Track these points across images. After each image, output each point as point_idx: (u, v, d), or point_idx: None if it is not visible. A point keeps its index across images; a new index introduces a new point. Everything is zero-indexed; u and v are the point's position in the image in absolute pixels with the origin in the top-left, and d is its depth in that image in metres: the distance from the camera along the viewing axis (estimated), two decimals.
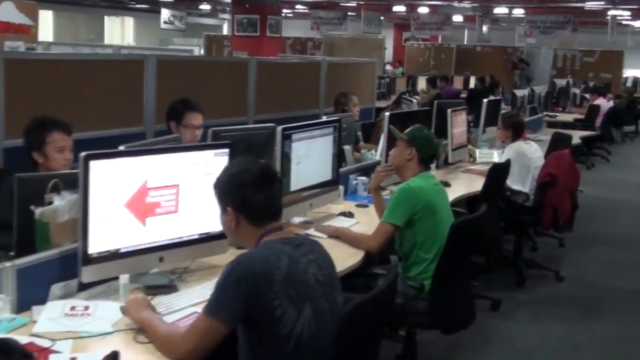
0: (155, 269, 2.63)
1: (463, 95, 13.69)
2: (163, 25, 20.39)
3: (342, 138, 4.41)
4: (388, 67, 22.99)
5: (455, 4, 16.80)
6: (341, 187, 3.94)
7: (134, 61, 5.61)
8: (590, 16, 19.29)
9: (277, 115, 7.00)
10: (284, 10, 24.33)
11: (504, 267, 5.18)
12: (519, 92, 10.52)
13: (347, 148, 4.39)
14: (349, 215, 3.66)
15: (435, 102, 5.99)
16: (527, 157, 4.97)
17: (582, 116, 10.89)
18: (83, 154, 2.28)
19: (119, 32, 28.12)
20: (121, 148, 2.65)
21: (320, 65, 7.85)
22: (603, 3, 15.24)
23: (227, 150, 2.69)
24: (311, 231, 3.31)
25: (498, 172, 4.27)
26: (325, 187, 3.61)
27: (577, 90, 12.86)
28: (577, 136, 7.86)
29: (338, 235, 3.23)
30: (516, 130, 5.05)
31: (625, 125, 14.20)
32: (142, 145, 2.94)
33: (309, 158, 3.42)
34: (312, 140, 3.43)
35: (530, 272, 5.15)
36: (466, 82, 15.60)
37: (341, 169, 4.15)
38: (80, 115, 4.96)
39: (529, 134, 7.53)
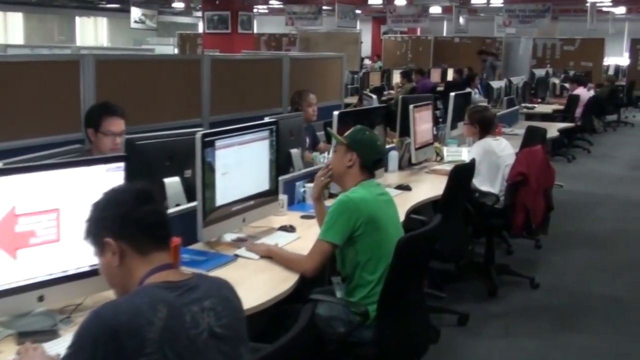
0: (40, 308, 2.20)
1: (440, 88, 13.31)
2: (133, 25, 19.82)
3: (289, 141, 4.00)
4: (367, 62, 22.59)
5: None
6: (283, 197, 3.52)
7: (68, 62, 5.15)
8: (570, 4, 18.98)
9: (235, 115, 6.58)
10: (259, 7, 23.89)
11: (474, 275, 4.78)
12: (495, 84, 10.17)
13: (294, 152, 3.96)
14: (290, 229, 3.24)
15: (400, 97, 5.60)
16: (496, 154, 4.57)
17: (561, 107, 10.52)
18: None
19: (92, 33, 27.52)
20: None
21: (282, 61, 7.42)
22: None
23: (121, 164, 2.26)
24: (241, 251, 2.89)
25: (461, 174, 3.86)
26: (261, 198, 3.18)
27: (556, 80, 12.50)
28: (555, 129, 7.48)
29: (270, 255, 2.80)
30: (484, 126, 4.64)
31: (607, 115, 13.88)
32: (13, 162, 2.50)
33: (240, 167, 3.00)
34: (243, 147, 3.01)
35: (503, 279, 4.75)
36: (444, 74, 15.21)
37: (286, 176, 3.74)
38: (4, 122, 4.53)
39: (504, 128, 7.17)
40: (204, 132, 2.78)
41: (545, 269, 5.13)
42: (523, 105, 10.01)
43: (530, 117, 9.80)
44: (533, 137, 5.42)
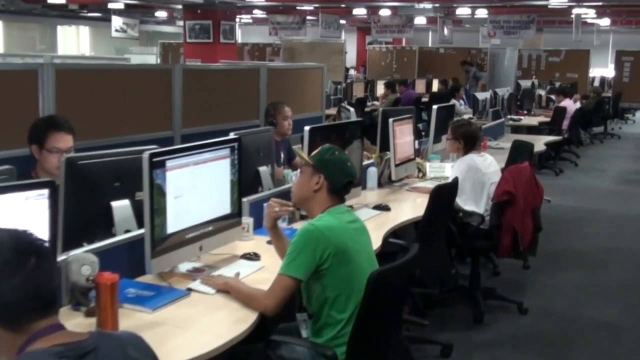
0: None
1: (425, 99, 13.08)
2: (114, 34, 19.49)
3: (257, 158, 3.69)
4: (352, 72, 22.36)
5: (416, 6, 16.18)
6: (249, 220, 3.20)
7: (25, 72, 4.81)
8: (555, 15, 18.85)
9: (209, 128, 6.27)
10: (243, 16, 23.61)
11: (459, 299, 4.48)
12: (480, 95, 9.91)
13: (263, 170, 3.65)
14: (254, 257, 2.92)
15: (380, 110, 5.31)
16: (481, 171, 4.28)
17: (548, 119, 10.30)
18: None
19: (75, 42, 27.13)
20: None
21: (260, 71, 7.12)
22: (566, 1, 14.74)
23: (45, 191, 1.94)
24: (196, 284, 2.57)
25: (443, 194, 3.56)
26: (222, 222, 2.86)
27: (542, 92, 12.29)
28: (542, 142, 7.22)
29: (227, 289, 2.49)
30: (468, 141, 4.35)
31: (593, 127, 13.70)
32: None
33: (195, 189, 2.68)
34: (199, 167, 2.69)
35: (490, 304, 4.45)
36: (428, 85, 14.97)
37: (253, 196, 3.42)
38: None
39: (489, 141, 6.90)
40: (153, 151, 2.47)
41: (534, 292, 4.84)
42: (509, 117, 9.77)
43: (516, 129, 9.57)
44: (520, 152, 5.15)
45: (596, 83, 17.43)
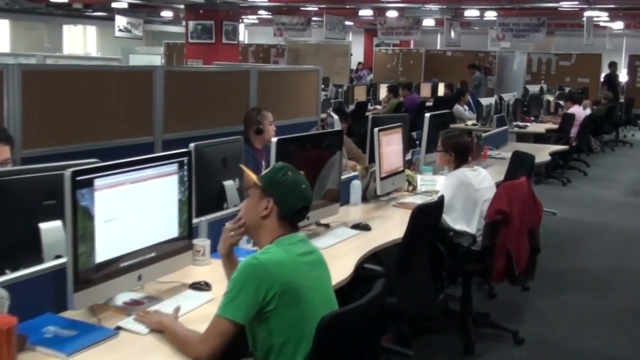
0: None
1: (429, 103, 12.70)
2: (118, 34, 19.26)
3: (223, 171, 3.35)
4: (365, 72, 21.99)
5: (423, 7, 15.80)
6: (204, 243, 2.86)
7: None
8: (566, 18, 18.43)
9: (192, 133, 5.92)
10: (248, 17, 23.32)
11: (449, 326, 4.12)
12: (485, 101, 9.55)
13: (229, 184, 3.31)
14: (204, 286, 2.58)
15: (370, 118, 4.96)
16: (473, 187, 3.91)
17: (555, 126, 9.89)
18: None
19: (81, 41, 26.95)
20: None
21: (250, 74, 6.78)
22: (577, 3, 14.31)
23: None
24: (127, 322, 2.23)
25: (425, 215, 3.20)
26: (167, 247, 2.52)
27: (551, 97, 11.87)
28: (547, 151, 6.83)
29: (161, 329, 2.14)
30: (459, 154, 3.99)
31: (605, 134, 13.25)
32: None
33: (133, 211, 2.34)
34: (138, 185, 2.35)
35: (483, 332, 4.08)
36: (434, 89, 14.57)
37: (214, 215, 3.08)
38: None
39: (490, 151, 6.53)
40: (76, 168, 2.13)
41: (532, 318, 4.47)
42: (514, 124, 9.37)
43: (521, 137, 9.16)
44: (519, 164, 4.77)
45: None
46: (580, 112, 10.20)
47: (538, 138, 9.23)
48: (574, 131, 9.85)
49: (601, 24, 18.54)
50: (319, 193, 3.38)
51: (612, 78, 15.68)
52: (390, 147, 4.23)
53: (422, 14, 16.82)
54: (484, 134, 6.83)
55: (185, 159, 2.57)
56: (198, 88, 6.17)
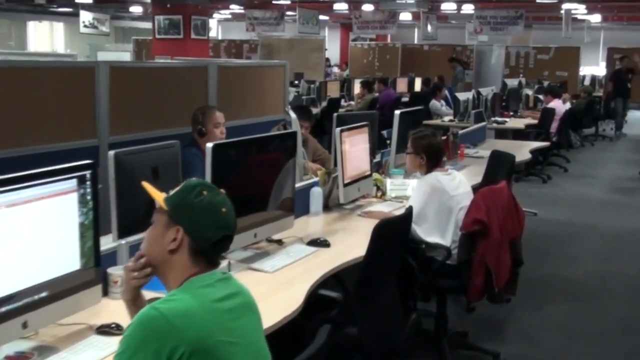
0: None
1: (405, 99, 12.28)
2: (83, 30, 18.63)
3: (152, 183, 2.84)
4: (336, 70, 21.55)
5: (399, 1, 15.38)
6: (121, 273, 2.36)
7: None
8: (544, 11, 18.13)
9: (145, 134, 5.39)
10: (222, 12, 22.76)
11: (423, 349, 3.67)
12: (462, 96, 9.13)
13: None
14: (115, 330, 2.09)
15: (335, 116, 4.50)
16: (447, 194, 3.46)
17: (535, 121, 9.49)
18: None
19: (48, 38, 26.16)
20: None
21: (208, 69, 6.27)
22: None
23: None
24: None
25: (389, 232, 2.73)
26: (64, 284, 2.03)
27: (530, 92, 11.49)
28: (526, 149, 6.40)
29: None
30: (431, 156, 3.53)
31: (584, 128, 12.92)
32: None
33: (11, 242, 1.84)
34: (17, 209, 1.86)
35: (460, 354, 3.65)
36: (410, 84, 14.15)
37: (136, 237, 2.58)
38: None
39: (467, 149, 6.10)
40: None
41: (514, 335, 4.04)
42: (493, 119, 8.97)
43: (501, 133, 8.77)
44: (498, 166, 4.33)
45: (587, 82, 16.69)
46: (560, 106, 9.83)
47: (517, 134, 8.84)
48: (553, 126, 9.46)
49: (579, 16, 18.30)
50: (267, 205, 2.91)
51: (621, 74, 13.74)
52: (355, 149, 3.77)
53: (398, 7, 16.42)
54: (460, 131, 6.40)
55: (87, 172, 2.07)
56: (149, 85, 5.62)
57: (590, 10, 17.24)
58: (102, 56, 22.04)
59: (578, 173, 9.64)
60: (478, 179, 4.57)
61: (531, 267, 4.98)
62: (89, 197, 2.08)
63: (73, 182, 2.03)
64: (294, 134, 3.05)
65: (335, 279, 3.01)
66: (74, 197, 2.03)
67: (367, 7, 16.69)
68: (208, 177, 2.55)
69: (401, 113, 4.43)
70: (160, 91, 5.74)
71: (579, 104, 12.13)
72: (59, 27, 26.08)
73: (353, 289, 2.66)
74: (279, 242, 3.07)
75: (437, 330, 3.64)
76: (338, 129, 3.58)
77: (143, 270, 1.76)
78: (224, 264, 2.73)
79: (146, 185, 1.80)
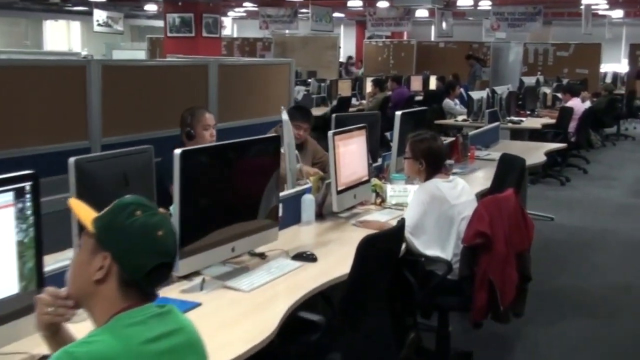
0: None
1: (419, 98, 11.98)
2: (97, 28, 18.50)
3: (120, 191, 2.60)
4: (352, 68, 21.26)
5: None
6: None
7: None
8: (564, 6, 17.69)
9: (140, 136, 5.20)
10: (236, 10, 22.55)
11: None
12: (476, 95, 8.82)
13: None
14: None
15: (333, 117, 4.25)
16: (448, 203, 3.18)
17: (553, 120, 9.14)
18: None
19: (65, 37, 26.17)
20: None
21: (209, 68, 6.04)
22: None
23: None
24: None
25: (376, 249, 2.46)
26: (2, 310, 1.80)
27: (547, 90, 11.12)
28: (542, 151, 6.09)
29: None
30: (431, 161, 3.26)
31: (605, 127, 12.50)
32: None
33: None
34: None
35: None
36: (425, 82, 13.82)
37: None
38: None
39: (478, 151, 5.81)
40: None
41: (524, 353, 3.76)
42: (508, 119, 8.64)
43: (516, 133, 8.45)
44: (507, 170, 4.04)
45: (608, 79, 16.23)
46: (579, 105, 9.47)
47: (534, 134, 8.50)
48: (572, 126, 9.11)
49: (600, 12, 17.81)
50: (248, 216, 2.67)
51: None
52: (351, 152, 3.51)
53: (413, 3, 16.08)
54: (471, 132, 6.11)
55: (27, 184, 1.84)
56: (146, 85, 5.42)
57: (612, 6, 16.76)
58: (118, 55, 22.02)
59: (598, 174, 9.28)
60: (488, 183, 4.30)
61: (544, 278, 4.72)
62: (29, 212, 1.84)
63: (8, 196, 1.79)
64: (277, 138, 2.79)
65: (322, 297, 2.76)
66: (9, 213, 1.80)
67: (382, 4, 16.39)
68: (176, 188, 2.31)
69: (403, 114, 4.15)
70: (158, 91, 5.53)
71: (600, 102, 11.74)
72: (76, 26, 26.08)
73: (337, 309, 2.40)
74: (262, 255, 2.82)
75: (439, 349, 3.37)
76: (331, 132, 3.32)
77: (62, 302, 1.50)
78: (197, 280, 2.50)
79: (73, 202, 1.55)
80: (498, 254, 3.00)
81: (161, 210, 1.47)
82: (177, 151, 2.31)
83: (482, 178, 4.78)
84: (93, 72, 4.89)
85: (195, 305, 2.25)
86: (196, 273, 2.54)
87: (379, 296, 2.54)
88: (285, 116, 3.61)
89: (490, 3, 15.84)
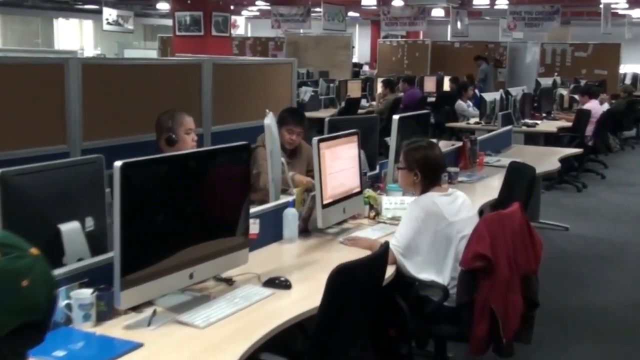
0: None
1: (431, 99, 11.59)
2: (106, 27, 18.28)
3: (65, 210, 2.29)
4: (366, 68, 20.89)
5: None
6: None
7: None
8: (582, 5, 17.19)
9: (124, 140, 4.91)
10: (249, 9, 22.27)
11: None
12: (489, 96, 8.42)
13: (69, 228, 2.24)
14: None
15: (327, 121, 3.91)
16: (445, 220, 2.82)
17: (569, 124, 8.71)
18: None
19: (77, 36, 26.07)
20: None
21: (203, 68, 5.72)
22: None
23: None
24: None
25: (351, 280, 2.11)
26: None
27: (564, 91, 10.68)
28: (556, 157, 5.69)
29: None
30: (427, 172, 2.90)
31: (624, 130, 12.03)
32: None
33: None
34: None
35: None
36: (439, 83, 13.41)
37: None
38: None
39: (488, 156, 5.44)
40: None
41: None
42: (522, 122, 8.24)
43: (531, 137, 8.05)
44: (516, 180, 3.67)
45: (627, 80, 15.69)
46: (596, 107, 9.03)
47: (549, 138, 8.09)
48: (589, 129, 8.67)
49: (620, 11, 17.30)
50: (213, 236, 2.33)
51: None
52: (339, 163, 3.16)
53: (427, 2, 15.69)
54: (481, 137, 5.74)
55: None
56: (131, 85, 5.10)
57: (632, 5, 16.24)
58: (129, 54, 21.83)
59: (617, 180, 8.84)
60: (496, 194, 3.93)
61: (557, 295, 4.37)
62: None
63: None
64: (247, 146, 2.45)
65: (299, 328, 2.42)
66: None
67: (396, 3, 16.02)
68: (116, 206, 1.98)
69: (402, 117, 3.80)
70: (145, 91, 5.21)
71: (619, 105, 11.27)
72: (88, 24, 25.97)
73: (308, 347, 2.06)
74: (229, 281, 2.48)
75: None
76: (315, 139, 2.97)
77: None
78: (148, 312, 2.17)
79: None
80: (500, 278, 2.64)
81: (33, 251, 1.13)
82: (117, 163, 1.97)
83: (491, 186, 4.41)
84: (72, 70, 4.58)
85: (136, 346, 1.92)
86: (149, 303, 2.22)
87: (358, 330, 2.19)
88: (268, 120, 3.27)
89: (507, 2, 15.42)
